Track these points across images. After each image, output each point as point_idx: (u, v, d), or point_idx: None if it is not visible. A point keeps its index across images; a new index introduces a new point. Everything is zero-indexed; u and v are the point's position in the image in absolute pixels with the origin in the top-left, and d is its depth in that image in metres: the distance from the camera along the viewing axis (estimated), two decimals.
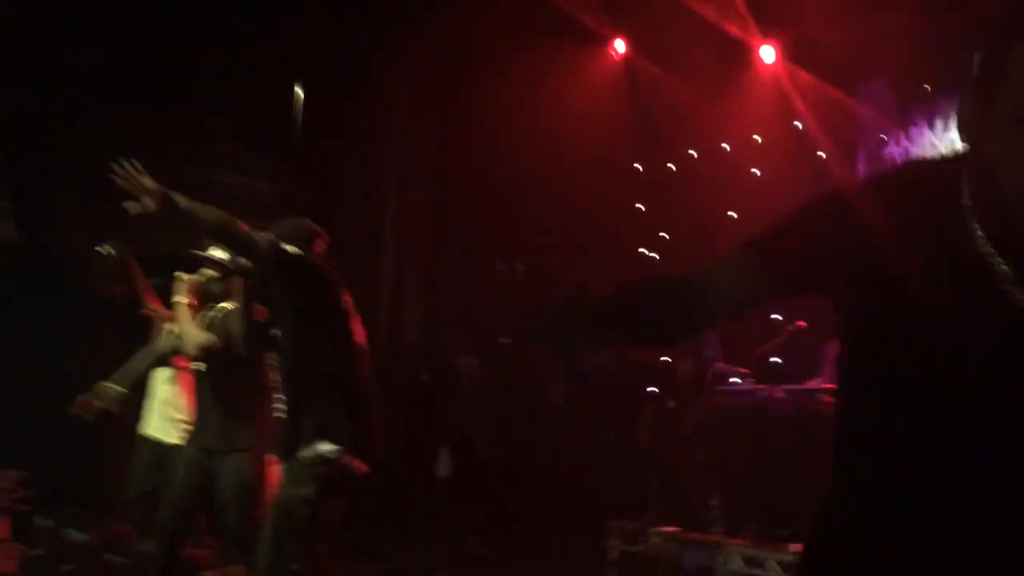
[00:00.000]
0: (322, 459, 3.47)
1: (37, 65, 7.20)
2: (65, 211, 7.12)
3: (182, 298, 4.31)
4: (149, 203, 3.15)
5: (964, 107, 1.26)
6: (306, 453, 3.49)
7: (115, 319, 5.55)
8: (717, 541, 5.48)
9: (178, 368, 4.89)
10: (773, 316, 6.76)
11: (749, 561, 5.27)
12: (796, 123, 7.85)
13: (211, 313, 4.40)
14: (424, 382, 8.88)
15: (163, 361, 5.01)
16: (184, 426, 4.75)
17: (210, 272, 4.35)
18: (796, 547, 5.17)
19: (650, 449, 6.62)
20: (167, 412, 5.06)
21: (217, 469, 4.23)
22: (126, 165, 3.19)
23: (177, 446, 4.84)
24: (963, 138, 1.26)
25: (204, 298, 4.44)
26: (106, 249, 4.69)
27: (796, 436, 5.41)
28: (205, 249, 4.34)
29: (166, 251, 4.56)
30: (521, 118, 8.44)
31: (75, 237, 7.15)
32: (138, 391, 5.07)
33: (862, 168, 7.39)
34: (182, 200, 3.19)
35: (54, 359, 6.81)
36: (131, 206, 3.17)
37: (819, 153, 7.63)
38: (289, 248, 3.59)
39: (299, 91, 9.21)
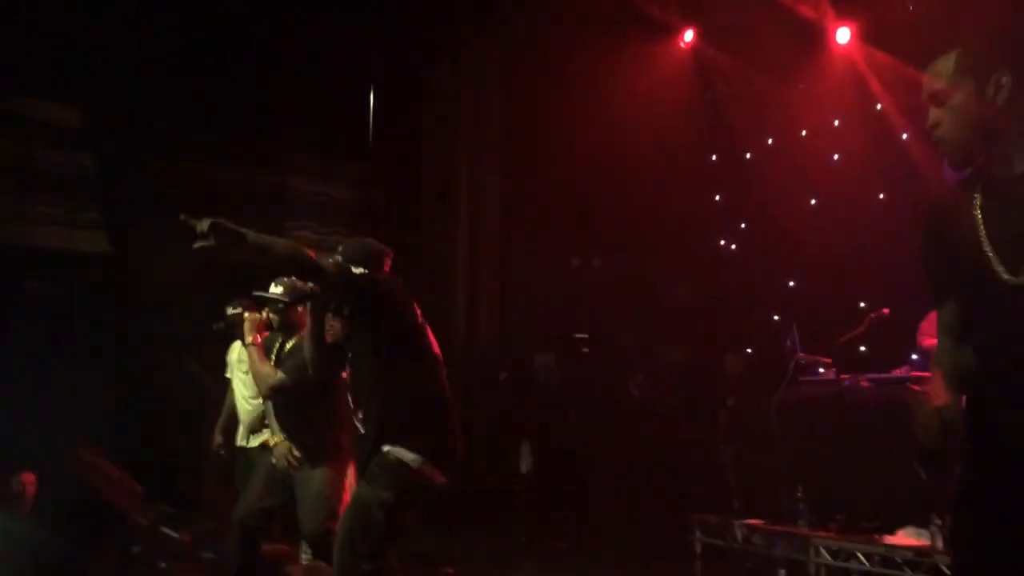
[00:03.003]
0: (403, 464, 3.48)
1: (125, 78, 7.46)
2: (148, 227, 7.35)
3: (250, 338, 4.43)
4: (212, 239, 3.09)
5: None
6: (388, 457, 3.51)
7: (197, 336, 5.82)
8: (803, 534, 5.35)
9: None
10: (859, 304, 6.56)
11: (835, 553, 5.14)
12: (877, 106, 7.58)
13: (282, 344, 4.54)
14: (502, 380, 8.91)
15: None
16: (266, 432, 4.92)
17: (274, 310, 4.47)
18: (885, 539, 5.03)
19: (725, 439, 6.48)
20: (251, 422, 5.44)
21: (295, 481, 4.35)
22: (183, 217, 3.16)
23: (260, 449, 5.06)
24: None
25: (271, 330, 4.58)
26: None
27: (881, 426, 5.23)
28: (266, 289, 4.44)
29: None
30: (591, 112, 8.39)
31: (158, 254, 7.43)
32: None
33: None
34: (249, 233, 3.18)
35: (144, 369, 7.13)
36: (198, 244, 3.13)
37: (902, 135, 7.38)
38: (356, 270, 3.63)
39: (372, 99, 9.36)
